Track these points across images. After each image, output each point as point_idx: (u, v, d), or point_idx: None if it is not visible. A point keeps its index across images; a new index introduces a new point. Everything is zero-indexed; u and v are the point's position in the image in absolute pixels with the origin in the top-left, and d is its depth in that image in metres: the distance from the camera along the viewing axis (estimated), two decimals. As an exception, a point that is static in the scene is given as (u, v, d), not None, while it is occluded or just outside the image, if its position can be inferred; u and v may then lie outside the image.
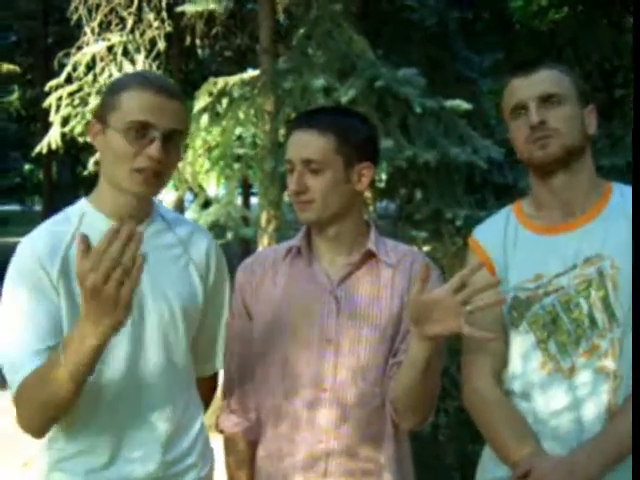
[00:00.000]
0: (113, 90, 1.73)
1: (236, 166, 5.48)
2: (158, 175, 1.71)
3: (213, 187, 5.81)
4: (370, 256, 1.87)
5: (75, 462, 1.73)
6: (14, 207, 24.81)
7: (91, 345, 1.45)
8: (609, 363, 1.75)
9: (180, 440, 1.81)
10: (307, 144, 1.81)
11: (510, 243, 1.89)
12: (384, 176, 5.61)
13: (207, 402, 2.01)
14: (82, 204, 1.80)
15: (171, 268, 1.82)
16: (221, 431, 1.98)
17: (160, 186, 1.75)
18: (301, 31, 5.38)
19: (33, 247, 1.70)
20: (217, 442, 1.97)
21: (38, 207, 23.41)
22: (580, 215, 1.84)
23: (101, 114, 1.73)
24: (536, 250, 1.85)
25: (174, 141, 1.72)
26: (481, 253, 1.92)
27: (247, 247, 9.97)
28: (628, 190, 1.85)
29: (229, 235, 5.35)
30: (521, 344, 1.85)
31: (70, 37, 7.45)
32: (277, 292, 1.89)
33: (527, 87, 1.83)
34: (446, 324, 1.58)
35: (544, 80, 1.83)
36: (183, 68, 12.02)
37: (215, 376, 2.04)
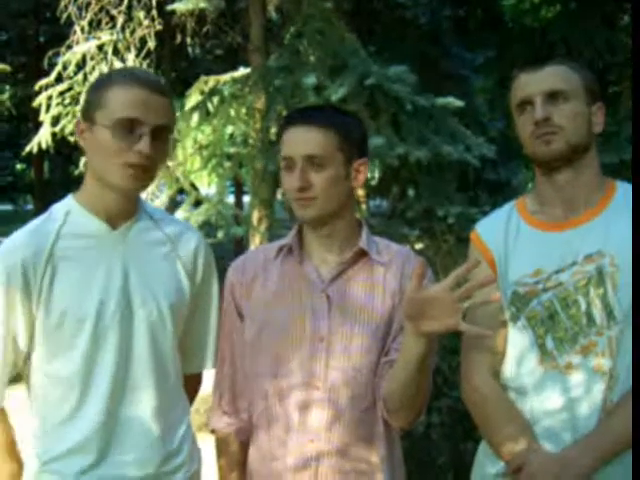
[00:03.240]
0: (98, 87, 1.73)
1: (227, 165, 5.46)
2: (147, 171, 1.72)
3: (204, 186, 5.79)
4: (362, 255, 1.86)
5: (64, 462, 1.73)
6: (6, 207, 24.75)
7: None
8: (605, 361, 1.74)
9: (170, 439, 1.82)
10: (309, 140, 1.80)
11: (511, 238, 1.89)
12: (377, 174, 5.59)
13: (190, 400, 2.00)
14: (68, 202, 1.81)
15: (159, 265, 1.83)
16: (212, 431, 1.96)
17: (148, 182, 1.77)
18: (292, 29, 5.35)
19: (12, 255, 1.71)
20: (203, 442, 1.96)
21: (30, 206, 23.32)
22: (583, 212, 1.84)
23: (87, 112, 1.73)
24: (537, 245, 1.85)
25: (162, 137, 1.73)
26: (482, 247, 1.92)
27: (240, 246, 9.94)
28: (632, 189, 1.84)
29: (220, 234, 5.33)
30: (519, 341, 1.85)
31: (61, 36, 7.41)
32: (268, 291, 1.88)
33: (534, 82, 1.83)
34: (443, 321, 1.58)
35: (551, 76, 1.82)
36: (174, 67, 11.99)
37: (200, 374, 2.04)
